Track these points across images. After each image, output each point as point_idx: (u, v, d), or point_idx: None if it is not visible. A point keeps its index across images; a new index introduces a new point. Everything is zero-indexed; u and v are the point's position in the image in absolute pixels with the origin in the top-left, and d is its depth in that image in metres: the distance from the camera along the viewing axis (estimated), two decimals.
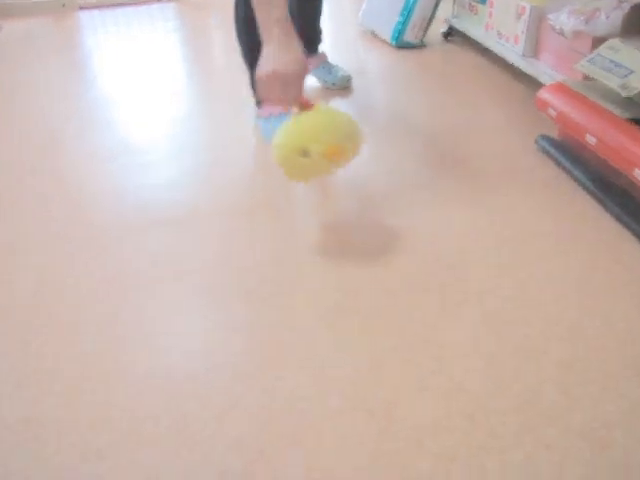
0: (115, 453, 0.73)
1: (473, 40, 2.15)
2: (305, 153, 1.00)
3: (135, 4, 3.15)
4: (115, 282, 1.05)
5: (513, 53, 1.84)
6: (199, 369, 0.86)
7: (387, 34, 2.31)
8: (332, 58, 1.94)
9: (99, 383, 0.84)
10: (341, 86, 1.90)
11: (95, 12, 3.06)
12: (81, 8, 3.09)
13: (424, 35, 2.29)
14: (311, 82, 1.91)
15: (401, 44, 2.27)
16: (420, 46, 2.29)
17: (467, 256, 1.09)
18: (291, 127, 1.05)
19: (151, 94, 1.97)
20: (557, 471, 0.69)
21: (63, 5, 3.05)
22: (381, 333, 0.91)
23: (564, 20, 1.58)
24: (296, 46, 1.00)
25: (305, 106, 1.07)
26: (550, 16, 1.64)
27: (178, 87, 2.06)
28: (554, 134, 1.45)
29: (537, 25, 1.73)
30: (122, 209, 1.28)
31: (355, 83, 1.94)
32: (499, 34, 1.93)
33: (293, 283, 1.04)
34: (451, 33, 2.37)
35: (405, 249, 1.11)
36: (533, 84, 1.72)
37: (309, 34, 1.81)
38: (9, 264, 1.11)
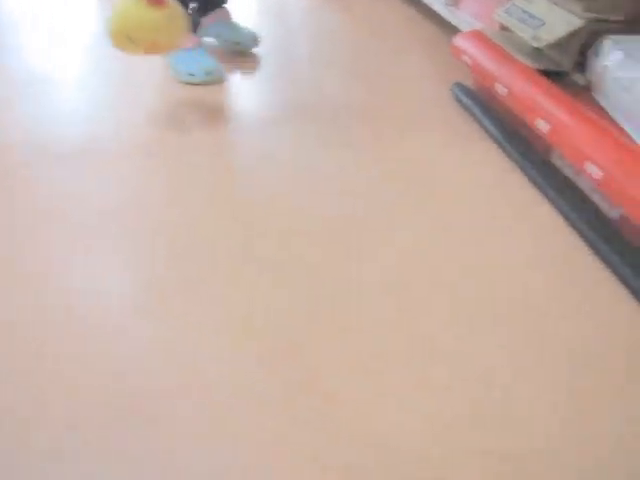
0: None
1: None
2: (130, 39, 1.17)
3: None
4: (15, 222, 0.99)
5: (436, 1, 1.82)
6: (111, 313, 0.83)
7: None
8: (247, 5, 1.81)
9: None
10: (248, 46, 1.67)
11: None
12: None
13: None
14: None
15: None
16: None
17: (372, 199, 1.09)
18: (125, 12, 1.17)
19: (59, 18, 1.83)
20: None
21: None
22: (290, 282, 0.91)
23: None
24: None
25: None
26: None
27: (86, 10, 1.92)
28: (471, 83, 1.47)
29: None
30: (26, 142, 1.19)
31: (275, 29, 1.88)
32: None
33: (205, 220, 1.01)
34: None
35: (314, 188, 1.11)
36: (455, 33, 1.73)
37: None
38: None
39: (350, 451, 0.65)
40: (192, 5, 1.51)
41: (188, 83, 1.45)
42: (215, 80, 1.46)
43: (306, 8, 2.11)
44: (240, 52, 1.67)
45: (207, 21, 1.64)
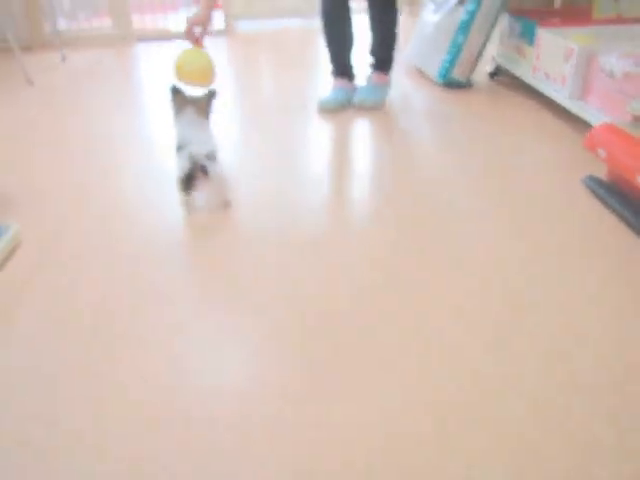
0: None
1: (520, 79, 2.18)
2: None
3: None
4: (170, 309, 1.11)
5: (560, 94, 1.85)
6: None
7: (433, 71, 2.35)
8: None
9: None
10: (360, 106, 2.09)
11: (152, 44, 3.20)
12: (139, 40, 3.24)
13: (471, 73, 2.31)
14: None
15: (448, 82, 2.30)
16: (467, 85, 2.32)
17: (511, 284, 1.10)
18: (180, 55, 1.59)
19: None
20: None
21: (124, 38, 3.21)
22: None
23: (614, 62, 1.60)
24: (204, 6, 1.55)
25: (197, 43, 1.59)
26: (600, 58, 1.66)
27: (232, 115, 2.14)
28: (601, 175, 1.45)
29: (585, 66, 1.74)
30: (181, 234, 1.34)
31: (401, 119, 1.98)
32: (546, 75, 1.95)
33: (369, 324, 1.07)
34: (497, 72, 2.40)
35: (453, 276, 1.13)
36: (580, 125, 1.74)
37: (378, 52, 2.13)
38: (75, 278, 1.18)
39: None
40: None
41: None
42: None
43: (430, 102, 2.21)
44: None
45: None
